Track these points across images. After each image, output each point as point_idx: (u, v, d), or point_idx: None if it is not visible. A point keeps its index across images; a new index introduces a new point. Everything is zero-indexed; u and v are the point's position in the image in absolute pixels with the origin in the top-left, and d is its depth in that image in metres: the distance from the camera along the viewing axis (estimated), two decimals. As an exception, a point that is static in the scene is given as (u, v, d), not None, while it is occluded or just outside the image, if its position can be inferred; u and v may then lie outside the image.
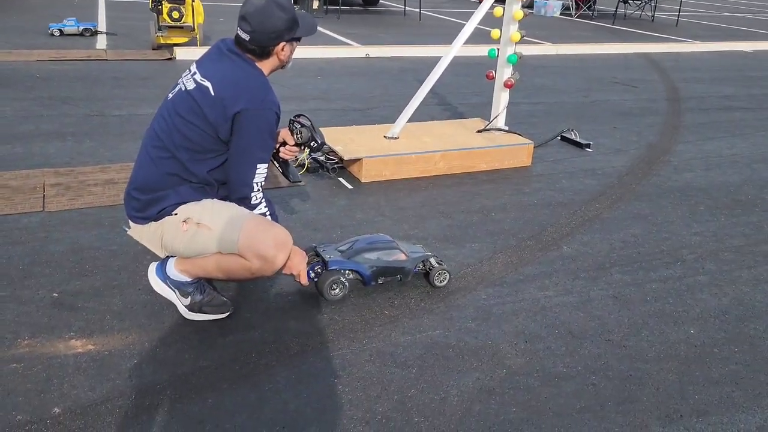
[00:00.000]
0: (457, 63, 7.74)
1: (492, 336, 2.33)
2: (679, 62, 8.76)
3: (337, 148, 3.81)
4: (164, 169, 2.17)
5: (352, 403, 1.96)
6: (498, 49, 4.23)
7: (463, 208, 3.47)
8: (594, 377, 2.13)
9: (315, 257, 2.58)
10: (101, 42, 7.74)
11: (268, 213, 2.30)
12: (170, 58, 7.06)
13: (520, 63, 4.21)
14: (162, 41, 7.41)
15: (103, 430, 1.79)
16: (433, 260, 2.67)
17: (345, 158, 3.72)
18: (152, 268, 2.32)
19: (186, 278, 2.26)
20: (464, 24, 4.19)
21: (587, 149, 4.60)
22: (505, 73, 4.21)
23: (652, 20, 13.54)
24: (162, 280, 2.28)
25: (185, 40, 7.51)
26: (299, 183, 2.72)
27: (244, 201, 2.23)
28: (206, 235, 2.14)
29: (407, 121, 4.12)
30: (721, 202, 3.75)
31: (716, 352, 2.31)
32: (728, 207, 3.68)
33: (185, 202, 2.19)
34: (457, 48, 4.06)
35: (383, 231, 3.12)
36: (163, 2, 7.16)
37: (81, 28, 8.06)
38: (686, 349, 2.32)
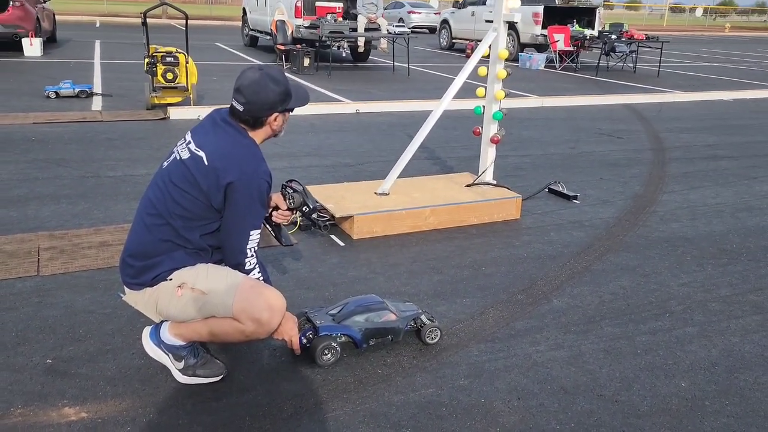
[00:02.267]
0: (444, 117, 7.91)
1: (485, 393, 2.34)
2: (663, 112, 8.99)
3: (329, 206, 3.88)
4: (159, 236, 2.21)
5: (346, 466, 1.96)
6: (483, 107, 4.36)
7: (454, 263, 3.51)
8: (587, 434, 2.14)
9: (306, 322, 2.60)
10: (96, 103, 7.90)
11: (261, 278, 2.34)
12: (164, 118, 7.20)
13: (506, 116, 4.33)
14: (156, 101, 7.57)
15: (95, 501, 1.78)
16: (424, 317, 2.70)
17: (336, 216, 3.79)
18: (146, 332, 2.34)
19: (180, 342, 2.27)
20: (452, 78, 4.32)
21: (574, 201, 4.69)
22: (491, 129, 4.33)
23: (634, 71, 13.93)
24: (156, 345, 2.30)
25: (179, 99, 7.67)
26: (291, 245, 2.77)
27: (239, 267, 2.27)
28: (201, 299, 2.17)
29: (397, 177, 4.21)
30: (708, 251, 3.82)
31: (707, 405, 2.32)
32: (714, 256, 3.74)
33: (180, 268, 2.22)
34: (446, 104, 4.18)
35: (375, 288, 3.16)
36: (158, 64, 7.35)
37: (77, 90, 8.23)
38: (678, 402, 2.33)
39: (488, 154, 4.39)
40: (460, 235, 3.95)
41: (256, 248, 2.30)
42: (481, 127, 4.41)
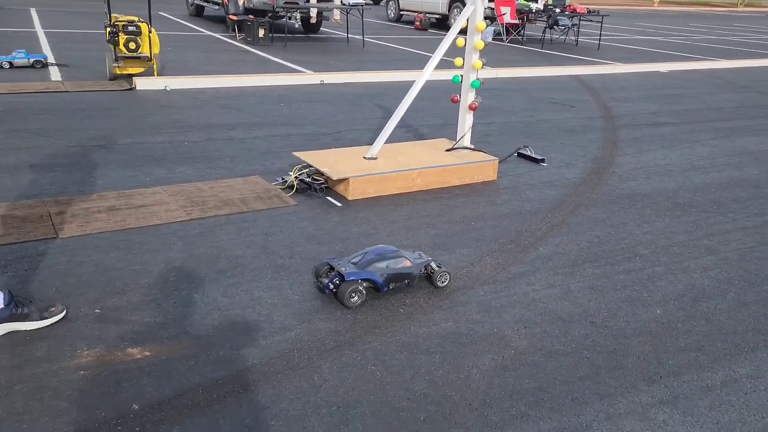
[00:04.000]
0: (407, 88, 8.19)
1: (496, 324, 2.69)
2: (607, 83, 9.54)
3: (324, 170, 4.13)
4: None
5: (391, 384, 2.27)
6: (461, 76, 4.67)
7: (445, 219, 3.84)
8: (586, 352, 2.53)
9: (330, 270, 2.88)
10: (54, 74, 7.76)
11: None
12: (130, 88, 7.18)
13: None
14: (118, 71, 7.53)
15: (182, 420, 2.03)
16: (433, 264, 3.02)
17: (334, 178, 4.04)
18: None
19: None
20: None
21: (542, 164, 5.09)
22: (469, 97, 4.65)
23: (576, 44, 14.53)
24: None
25: (141, 70, 7.64)
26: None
27: None
28: None
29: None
30: (663, 205, 4.29)
31: (680, 326, 2.75)
32: (670, 209, 4.21)
33: None
34: (428, 74, 4.46)
35: (379, 242, 3.45)
36: (119, 33, 7.29)
37: (32, 60, 8.05)
38: (656, 326, 2.75)
39: (466, 121, 4.72)
40: (445, 194, 4.28)
41: None
42: (459, 95, 4.72)
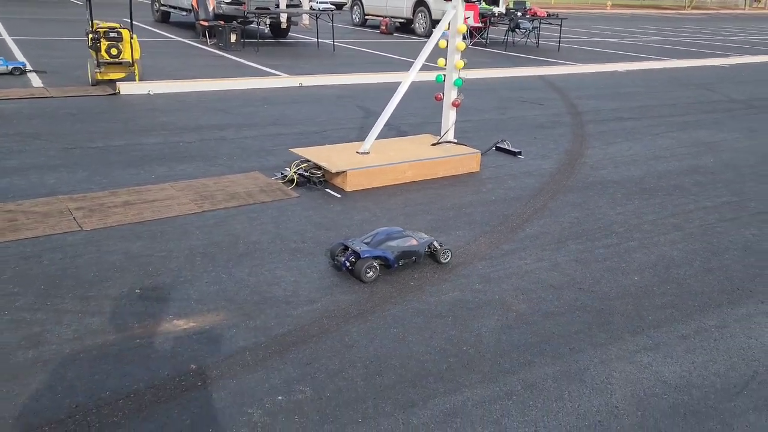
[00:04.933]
0: (388, 89, 8.54)
1: (497, 292, 3.03)
2: (569, 82, 10.05)
3: (323, 164, 4.41)
4: None
5: (413, 342, 2.58)
6: (444, 75, 5.02)
7: (438, 206, 4.18)
8: (578, 312, 2.88)
9: (345, 250, 3.17)
10: (35, 80, 7.84)
11: None
12: (114, 93, 7.33)
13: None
14: (99, 77, 7.66)
15: (238, 374, 2.30)
16: (435, 243, 3.34)
17: (333, 171, 4.33)
18: None
19: None
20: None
21: (519, 156, 5.48)
22: (452, 94, 5.00)
23: (537, 46, 15.10)
24: None
25: (122, 75, 7.79)
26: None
27: None
28: None
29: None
30: (632, 190, 4.71)
31: (655, 290, 3.14)
32: (638, 194, 4.63)
33: None
34: (414, 74, 4.79)
35: (380, 227, 3.76)
36: (101, 40, 7.44)
37: (10, 67, 8.10)
38: (635, 289, 3.13)
39: (450, 117, 5.07)
40: (434, 185, 4.61)
41: None
42: (443, 93, 5.07)
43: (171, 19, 16.78)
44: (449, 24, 4.88)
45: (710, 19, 36.62)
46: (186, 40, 13.04)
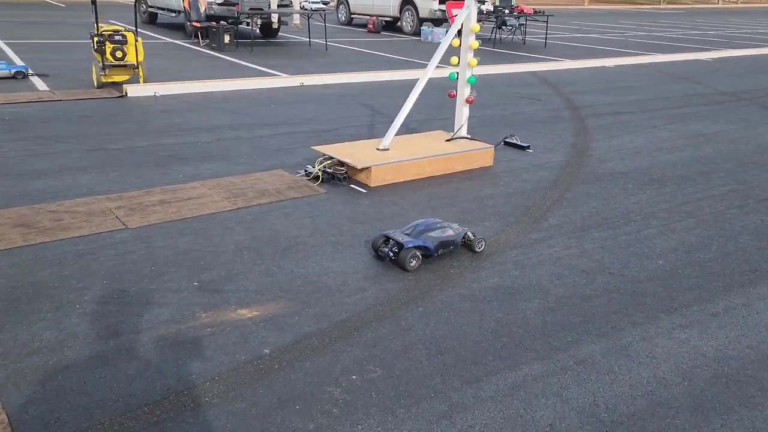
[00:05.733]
0: (388, 87, 8.70)
1: (534, 278, 3.21)
2: (561, 78, 10.29)
3: (347, 160, 4.56)
4: None
5: (466, 324, 2.75)
6: (457, 73, 5.19)
7: (461, 199, 4.35)
8: (612, 294, 3.07)
9: (386, 241, 3.33)
10: (39, 84, 7.87)
11: None
12: (122, 96, 7.39)
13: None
14: (104, 80, 7.72)
15: (309, 357, 2.45)
16: (469, 233, 3.51)
17: (358, 168, 4.48)
18: None
19: None
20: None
21: (528, 150, 5.67)
22: (465, 91, 5.17)
23: (524, 43, 15.36)
24: None
25: (127, 77, 7.86)
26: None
27: None
28: None
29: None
30: (641, 181, 4.92)
31: (680, 273, 3.34)
32: (648, 184, 4.85)
33: None
34: (430, 72, 4.95)
35: (411, 220, 3.92)
36: (106, 43, 7.49)
37: (13, 71, 8.12)
38: (662, 273, 3.33)
39: (463, 113, 5.24)
40: (453, 179, 4.78)
41: None
42: (456, 91, 5.24)
43: (158, 21, 16.76)
44: (462, 23, 5.05)
45: (686, 14, 37.31)
46: (178, 42, 13.07)
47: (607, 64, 12.16)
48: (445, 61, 6.17)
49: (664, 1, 52.83)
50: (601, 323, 2.81)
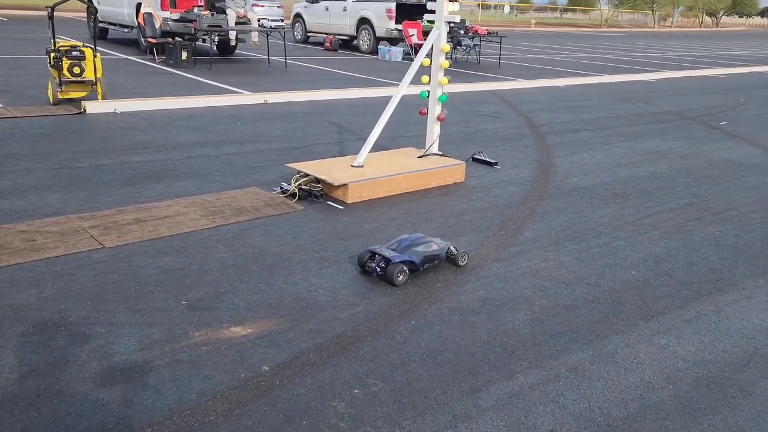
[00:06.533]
0: (353, 104, 8.78)
1: (517, 290, 3.30)
2: (518, 97, 10.59)
3: (324, 177, 4.59)
4: None
5: (458, 337, 2.80)
6: (428, 91, 5.31)
7: (438, 214, 4.43)
8: (593, 304, 3.19)
9: (372, 257, 3.37)
10: (-10, 100, 7.61)
11: None
12: (80, 112, 7.22)
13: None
14: (60, 96, 7.53)
15: (310, 372, 2.46)
16: (452, 248, 3.59)
17: (336, 185, 4.51)
18: None
19: None
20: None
21: (496, 166, 5.82)
22: (436, 109, 5.28)
23: (479, 63, 15.74)
24: None
25: (84, 94, 7.69)
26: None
27: None
28: None
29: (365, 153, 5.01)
30: (605, 195, 5.12)
31: (652, 282, 3.49)
32: (612, 198, 5.04)
33: None
34: (403, 90, 5.05)
35: (392, 235, 3.97)
36: (63, 58, 7.33)
37: (-38, 86, 7.83)
38: (636, 283, 3.48)
39: (434, 130, 5.35)
40: (428, 195, 4.87)
41: None
42: (427, 108, 5.34)
43: (109, 36, 16.45)
44: (432, 44, 5.17)
45: (626, 37, 38.94)
46: (132, 58, 12.86)
47: (558, 84, 12.58)
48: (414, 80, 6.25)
49: (604, 24, 54.99)
50: (586, 332, 2.91)
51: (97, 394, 2.26)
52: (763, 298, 3.36)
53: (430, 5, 4.75)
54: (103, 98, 7.68)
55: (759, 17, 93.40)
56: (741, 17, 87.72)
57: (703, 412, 2.37)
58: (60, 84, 7.43)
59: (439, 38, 5.15)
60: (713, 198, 5.16)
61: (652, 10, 63.86)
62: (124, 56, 13.13)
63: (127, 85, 9.23)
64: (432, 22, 5.22)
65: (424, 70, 5.23)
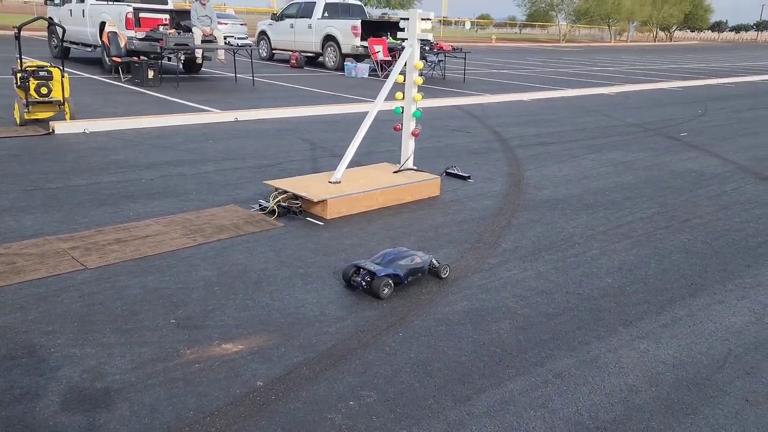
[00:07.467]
0: (323, 121, 8.85)
1: (499, 300, 3.39)
2: (485, 111, 10.80)
3: (303, 194, 4.63)
4: None
5: (446, 347, 2.87)
6: (402, 108, 5.40)
7: (416, 228, 4.51)
8: (573, 311, 3.30)
9: (357, 271, 3.42)
10: (-47, 121, 7.45)
11: None
12: (48, 133, 7.12)
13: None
14: (27, 117, 7.42)
15: (303, 386, 2.49)
16: (434, 260, 3.66)
17: (315, 201, 4.55)
18: None
19: None
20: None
21: (469, 180, 5.94)
22: (411, 125, 5.38)
23: (444, 78, 15.99)
24: None
25: (51, 114, 7.60)
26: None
27: None
28: None
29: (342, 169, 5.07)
30: (576, 206, 5.27)
31: (628, 289, 3.62)
32: (583, 209, 5.20)
33: None
34: (379, 106, 5.13)
35: (372, 250, 4.03)
36: (30, 79, 7.23)
37: (-77, 107, 7.65)
38: (612, 290, 3.60)
39: (409, 146, 5.44)
40: (405, 209, 4.95)
41: None
42: (401, 124, 5.44)
43: (71, 55, 16.23)
44: (405, 61, 5.28)
45: (585, 51, 39.96)
46: (96, 77, 12.71)
47: (523, 98, 12.86)
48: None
49: (563, 39, 56.36)
50: (569, 339, 3.01)
51: (93, 415, 2.25)
52: (734, 302, 3.51)
53: (402, 23, 4.86)
54: (71, 118, 7.59)
55: (709, 31, 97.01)
56: (693, 31, 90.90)
57: (685, 412, 2.48)
58: (27, 104, 7.32)
59: (413, 55, 5.26)
60: (679, 207, 5.36)
61: (609, 25, 65.73)
62: (88, 75, 12.97)
63: (95, 105, 9.13)
64: (402, 39, 5.33)
65: (398, 86, 5.34)
